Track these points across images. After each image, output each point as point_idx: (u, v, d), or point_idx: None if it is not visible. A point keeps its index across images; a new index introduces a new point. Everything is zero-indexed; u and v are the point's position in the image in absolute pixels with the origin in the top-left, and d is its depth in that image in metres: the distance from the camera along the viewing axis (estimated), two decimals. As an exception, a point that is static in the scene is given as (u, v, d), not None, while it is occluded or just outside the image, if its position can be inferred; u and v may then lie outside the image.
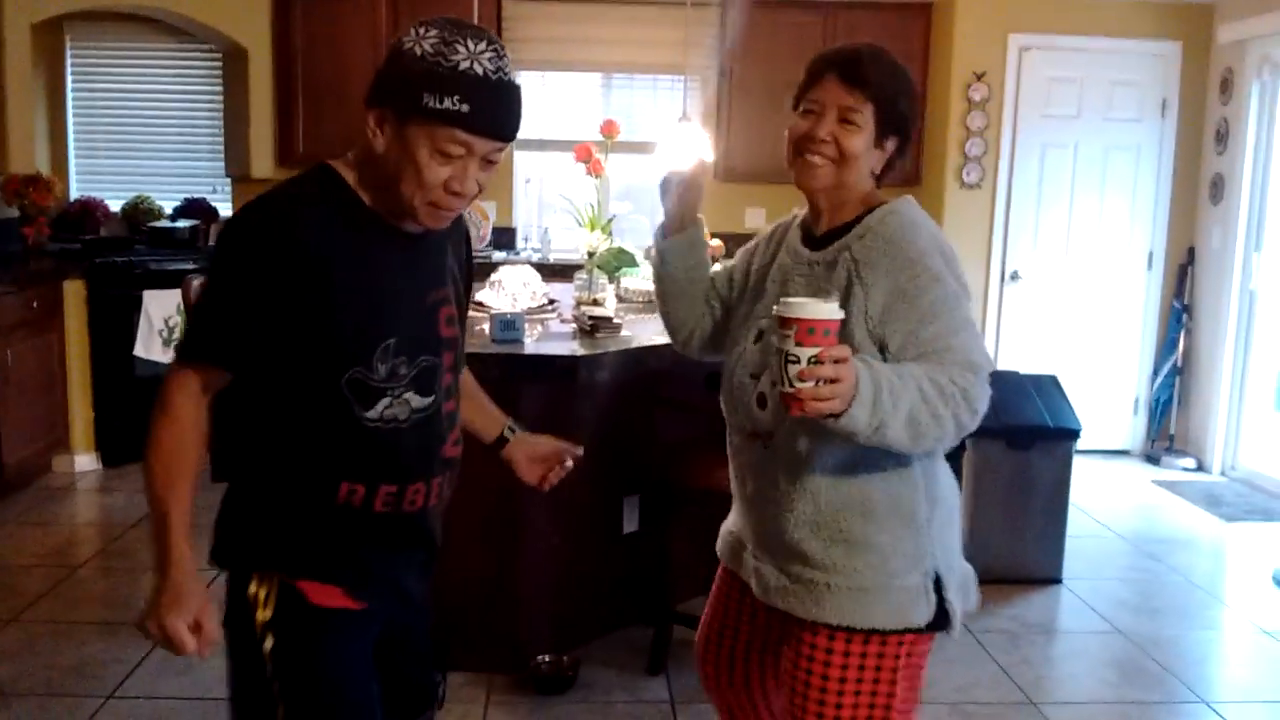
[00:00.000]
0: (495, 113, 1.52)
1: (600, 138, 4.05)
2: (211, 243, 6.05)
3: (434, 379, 1.66)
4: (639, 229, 5.22)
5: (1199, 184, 5.96)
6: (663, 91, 6.45)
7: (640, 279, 3.99)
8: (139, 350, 5.31)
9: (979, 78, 5.82)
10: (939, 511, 1.80)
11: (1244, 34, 5.50)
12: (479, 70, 1.49)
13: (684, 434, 3.28)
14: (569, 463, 1.96)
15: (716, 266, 2.07)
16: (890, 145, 1.78)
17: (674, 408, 3.34)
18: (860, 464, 1.72)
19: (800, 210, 1.91)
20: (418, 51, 1.49)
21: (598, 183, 3.93)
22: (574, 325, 3.50)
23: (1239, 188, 5.61)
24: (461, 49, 1.49)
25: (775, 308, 1.53)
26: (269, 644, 1.60)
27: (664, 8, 6.12)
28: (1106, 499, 5.30)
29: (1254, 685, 3.46)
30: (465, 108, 1.48)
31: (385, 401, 1.59)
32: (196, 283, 3.29)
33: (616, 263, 3.93)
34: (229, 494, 1.69)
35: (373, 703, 1.69)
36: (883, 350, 1.68)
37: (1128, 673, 3.48)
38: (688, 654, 3.36)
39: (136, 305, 5.30)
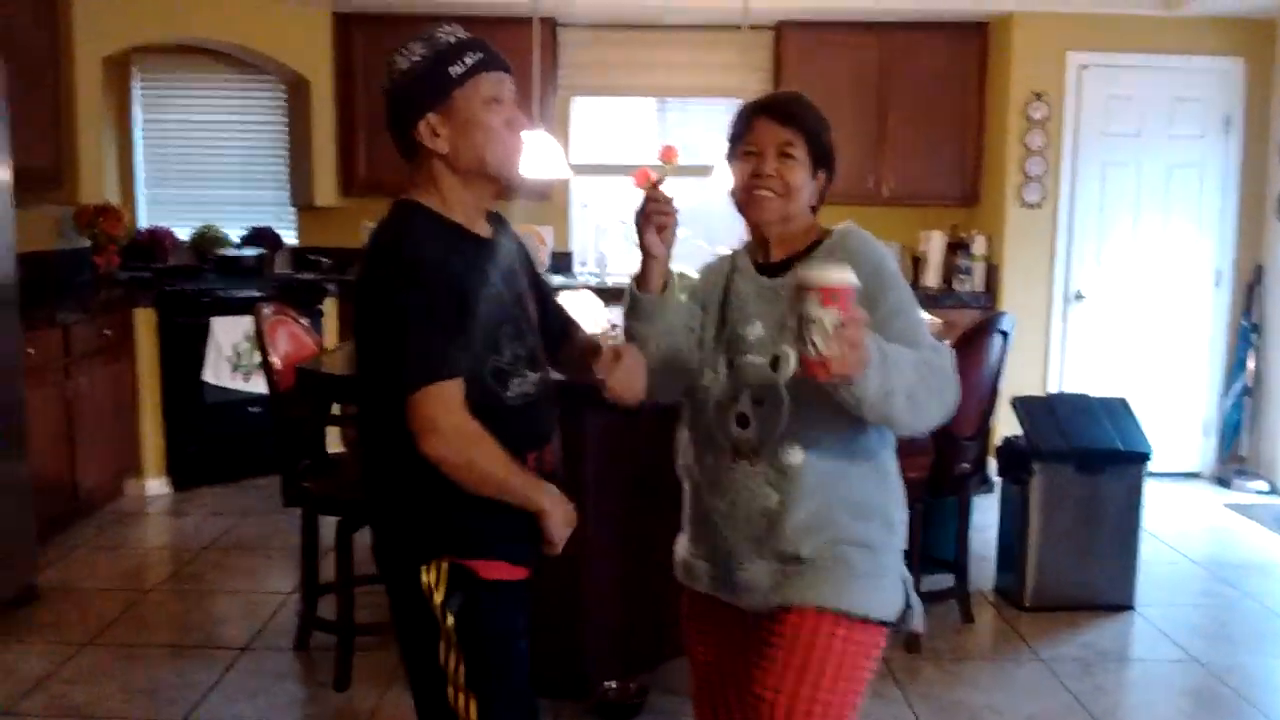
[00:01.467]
0: (498, 53, 1.81)
1: (658, 163, 4.05)
2: (278, 270, 6.18)
3: (538, 356, 1.89)
4: (698, 253, 5.23)
5: (1265, 200, 5.84)
6: (718, 115, 6.47)
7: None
8: (208, 376, 5.43)
9: (1038, 96, 5.76)
10: (903, 514, 1.97)
11: (1312, 48, 5.41)
12: (464, 35, 1.79)
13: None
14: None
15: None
16: (821, 178, 1.96)
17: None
18: (846, 467, 1.87)
19: (731, 248, 2.05)
20: (415, 58, 1.76)
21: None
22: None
23: (1309, 204, 5.50)
24: (440, 35, 1.78)
25: (795, 275, 1.62)
26: (449, 621, 1.78)
27: (718, 31, 6.15)
28: (1177, 523, 5.19)
29: (1338, 716, 3.37)
30: (481, 55, 1.77)
31: (516, 381, 1.81)
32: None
33: (678, 287, 3.94)
34: (380, 503, 1.86)
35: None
36: None
37: (1203, 701, 3.40)
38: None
39: (205, 332, 5.42)
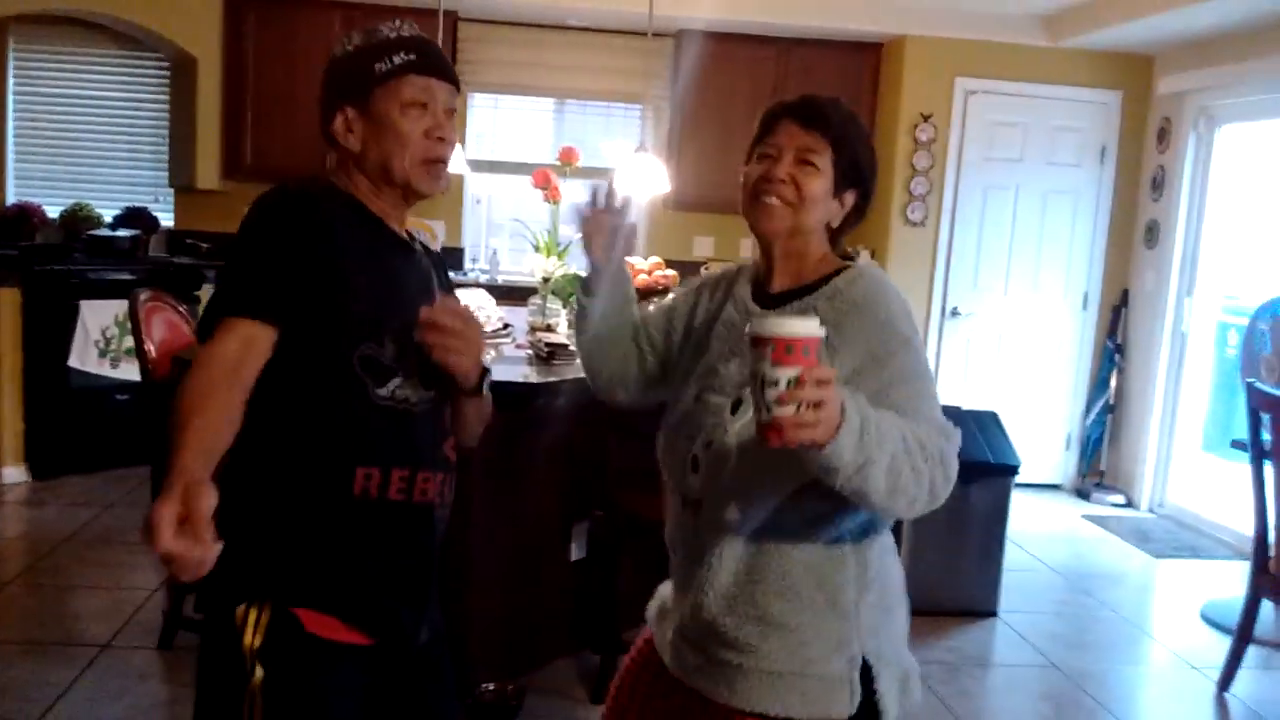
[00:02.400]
0: (438, 58, 1.69)
1: (558, 163, 4.05)
2: (153, 253, 5.96)
3: (431, 374, 1.66)
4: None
5: (1134, 228, 6.15)
6: (615, 119, 6.50)
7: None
8: (74, 361, 5.20)
9: (926, 119, 5.95)
10: (870, 595, 1.62)
11: (1182, 86, 5.70)
12: (408, 33, 1.69)
13: (637, 462, 3.29)
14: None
15: (650, 307, 1.94)
16: (849, 200, 1.70)
17: (628, 435, 3.34)
18: (785, 537, 1.58)
19: (745, 263, 1.83)
20: (350, 48, 1.68)
21: (553, 208, 3.93)
22: (529, 351, 3.49)
23: (1173, 233, 5.80)
24: (383, 29, 1.68)
25: (748, 327, 1.35)
26: (258, 675, 1.52)
27: (616, 36, 6.17)
28: (1038, 532, 5.41)
29: (1181, 716, 3.55)
30: (413, 56, 1.65)
31: (396, 380, 1.63)
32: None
33: (571, 289, 3.94)
34: (231, 516, 1.57)
35: None
36: None
37: (1062, 706, 3.55)
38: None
39: (73, 315, 5.19)
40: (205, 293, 5.66)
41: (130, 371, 5.40)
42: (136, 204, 6.08)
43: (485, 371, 1.73)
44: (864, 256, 1.74)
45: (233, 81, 5.89)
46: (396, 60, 1.64)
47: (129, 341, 5.38)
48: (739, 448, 1.57)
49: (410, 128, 1.63)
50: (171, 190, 6.21)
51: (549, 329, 3.64)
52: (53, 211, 5.92)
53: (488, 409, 1.82)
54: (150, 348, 3.19)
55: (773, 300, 1.69)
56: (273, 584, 1.57)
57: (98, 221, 5.93)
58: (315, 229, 1.58)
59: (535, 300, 3.95)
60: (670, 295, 1.97)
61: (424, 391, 1.66)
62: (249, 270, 1.57)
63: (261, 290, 1.55)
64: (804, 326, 1.31)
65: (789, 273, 1.70)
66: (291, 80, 5.85)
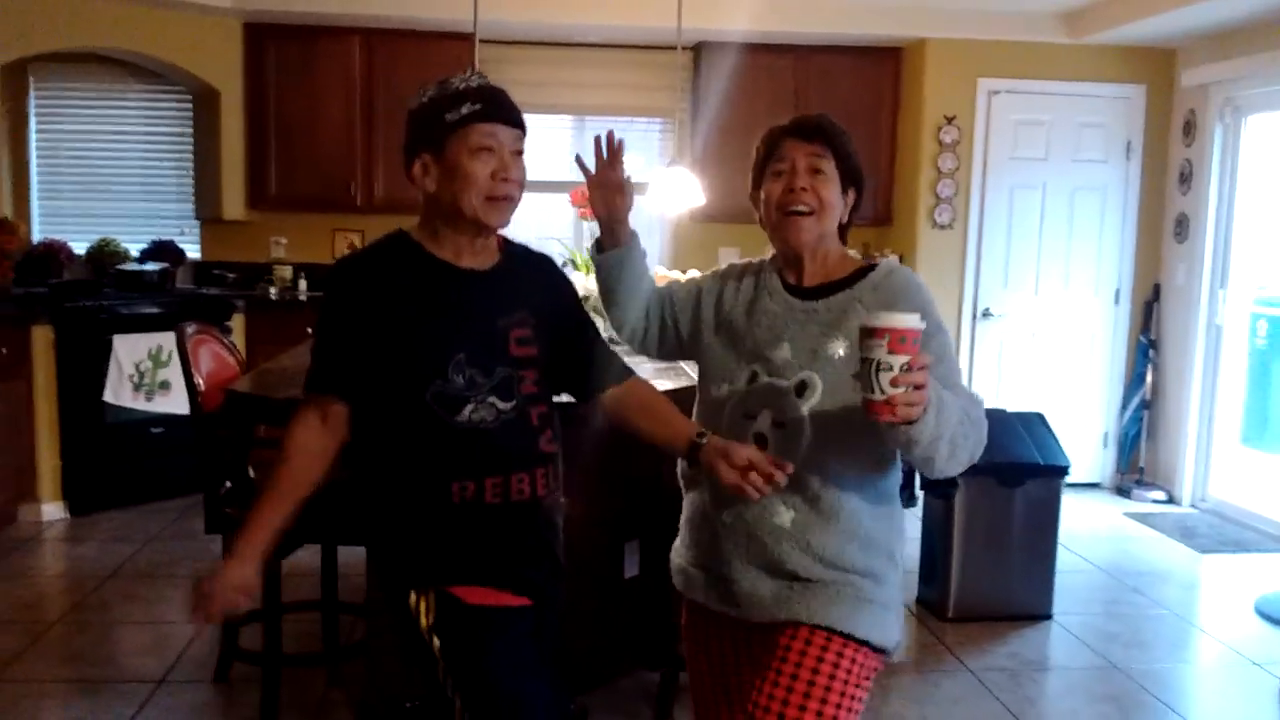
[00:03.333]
0: (503, 105, 1.87)
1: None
2: (180, 285, 5.97)
3: (513, 387, 1.89)
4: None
5: (1163, 222, 6.11)
6: (635, 134, 6.48)
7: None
8: (109, 396, 5.20)
9: (949, 120, 5.92)
10: (903, 551, 1.99)
11: (1206, 78, 5.67)
12: (475, 84, 1.87)
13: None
14: (777, 476, 1.80)
15: (683, 278, 2.18)
16: (851, 197, 1.96)
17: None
18: (852, 497, 1.86)
19: (764, 257, 2.04)
20: (424, 100, 1.88)
21: (589, 226, 3.91)
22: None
23: (1203, 226, 5.76)
24: (454, 81, 1.88)
25: (864, 320, 1.61)
26: (437, 643, 1.85)
27: (636, 51, 6.17)
28: (1082, 532, 5.36)
29: (1249, 715, 3.49)
30: (479, 106, 1.84)
31: (470, 407, 1.84)
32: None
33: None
34: (375, 528, 1.96)
35: (539, 684, 1.90)
36: None
37: (1126, 707, 3.50)
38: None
39: (106, 350, 5.19)
40: (236, 322, 5.67)
41: (165, 404, 5.41)
42: (162, 237, 6.09)
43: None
44: (892, 258, 2.02)
45: (255, 112, 5.90)
46: (464, 110, 1.82)
47: (163, 375, 5.39)
48: (812, 425, 1.82)
49: (478, 170, 1.83)
50: (198, 222, 6.21)
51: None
52: (79, 248, 5.93)
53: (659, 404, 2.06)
54: (199, 380, 3.18)
55: (812, 294, 1.93)
56: (426, 575, 1.87)
57: (124, 256, 5.93)
58: (363, 295, 1.85)
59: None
60: (689, 275, 2.21)
61: (504, 404, 1.87)
62: (318, 348, 1.91)
63: (327, 370, 1.89)
64: (915, 320, 1.58)
65: (818, 271, 1.96)
66: (314, 108, 5.87)
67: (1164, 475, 6.09)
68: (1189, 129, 5.88)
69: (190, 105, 6.15)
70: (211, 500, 3.23)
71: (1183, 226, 5.94)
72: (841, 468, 1.84)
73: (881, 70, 6.17)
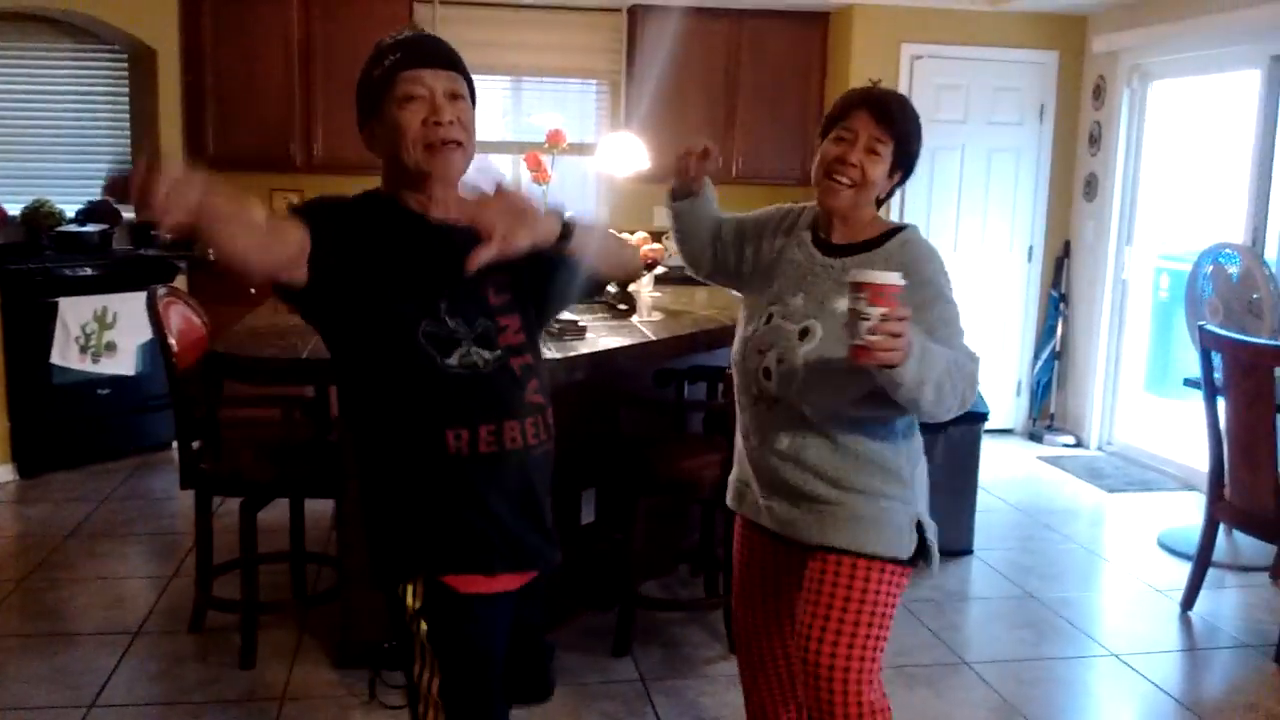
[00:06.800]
0: (427, 48, 1.82)
1: (545, 145, 4.18)
2: (117, 246, 5.94)
3: (492, 337, 1.84)
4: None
5: (1074, 183, 6.46)
6: (571, 96, 6.61)
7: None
8: (56, 358, 5.23)
9: (874, 84, 6.14)
10: (919, 471, 2.20)
11: (1116, 45, 5.99)
12: (397, 37, 1.83)
13: (645, 429, 3.47)
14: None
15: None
16: (896, 178, 2.14)
17: (636, 405, 3.52)
18: (850, 428, 2.08)
19: (809, 205, 2.24)
20: (363, 67, 1.85)
21: (544, 189, 4.07)
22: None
23: (1111, 186, 6.12)
24: (384, 40, 1.84)
25: (850, 274, 1.82)
26: (423, 628, 1.83)
27: (573, 13, 6.28)
28: (999, 474, 5.72)
29: (1154, 638, 3.85)
30: (399, 55, 1.79)
31: (462, 349, 1.80)
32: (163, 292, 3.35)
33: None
34: (366, 522, 1.93)
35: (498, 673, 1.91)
36: None
37: (1043, 632, 3.83)
38: (650, 636, 3.58)
39: (51, 313, 5.20)
40: (179, 283, 5.69)
41: (111, 366, 5.44)
42: (95, 198, 6.04)
43: (560, 217, 1.78)
44: (912, 228, 2.18)
45: (192, 71, 5.89)
46: (387, 63, 1.78)
47: (109, 336, 5.42)
48: (805, 366, 2.05)
49: (408, 119, 1.76)
50: (133, 182, 6.17)
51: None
52: (12, 210, 5.87)
53: (605, 240, 1.99)
54: (172, 341, 3.28)
55: (836, 250, 2.15)
56: (418, 563, 1.84)
57: (59, 218, 5.87)
58: (346, 221, 1.79)
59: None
60: (756, 212, 2.36)
61: (489, 354, 1.83)
62: (297, 206, 1.83)
63: (314, 211, 1.78)
64: (893, 277, 1.79)
65: (846, 232, 2.16)
66: (251, 67, 5.88)
67: (1073, 421, 6.50)
68: (1098, 93, 6.22)
69: (125, 64, 6.09)
70: (186, 456, 3.35)
71: (1091, 186, 6.29)
72: (834, 403, 2.05)
73: (811, 35, 6.37)
